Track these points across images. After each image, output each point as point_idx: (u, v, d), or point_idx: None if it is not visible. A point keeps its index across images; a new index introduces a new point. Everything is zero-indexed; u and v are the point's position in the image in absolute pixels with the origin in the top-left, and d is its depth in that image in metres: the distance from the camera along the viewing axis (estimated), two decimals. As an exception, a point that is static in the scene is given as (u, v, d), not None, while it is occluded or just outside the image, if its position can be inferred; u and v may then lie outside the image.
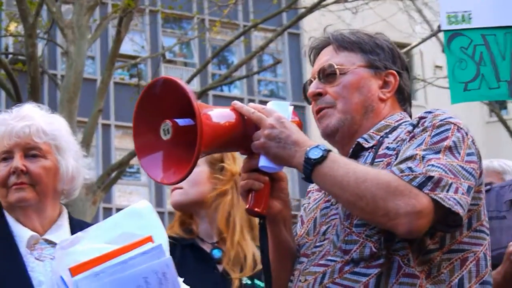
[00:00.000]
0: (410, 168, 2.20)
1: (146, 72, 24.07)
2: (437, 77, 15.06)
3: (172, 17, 23.49)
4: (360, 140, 2.46)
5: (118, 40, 13.68)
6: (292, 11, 18.61)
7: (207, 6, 20.38)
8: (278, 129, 2.28)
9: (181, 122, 2.25)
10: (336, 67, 2.50)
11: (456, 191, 2.19)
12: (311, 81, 2.56)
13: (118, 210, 3.24)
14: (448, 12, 4.22)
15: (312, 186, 2.63)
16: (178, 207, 3.40)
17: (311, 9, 15.20)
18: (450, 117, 2.34)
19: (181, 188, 3.34)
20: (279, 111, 2.35)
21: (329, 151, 2.26)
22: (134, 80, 18.93)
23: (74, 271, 2.68)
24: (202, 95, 15.74)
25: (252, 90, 26.35)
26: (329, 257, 2.34)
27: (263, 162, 2.32)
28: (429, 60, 25.51)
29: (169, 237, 2.98)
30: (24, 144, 2.91)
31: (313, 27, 18.77)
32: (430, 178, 2.18)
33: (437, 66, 24.37)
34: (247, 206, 2.36)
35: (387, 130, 2.46)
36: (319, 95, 2.51)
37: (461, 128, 2.32)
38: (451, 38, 4.20)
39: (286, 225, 2.48)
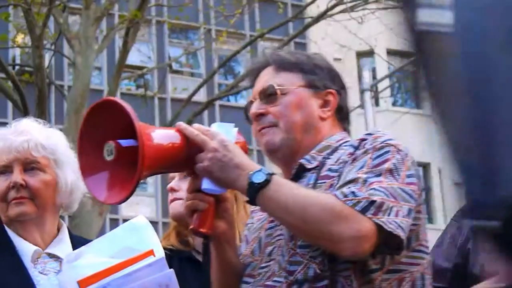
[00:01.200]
0: (353, 192, 2.22)
1: (152, 82, 24.13)
2: (444, 87, 15.04)
3: (179, 28, 23.57)
4: (302, 161, 2.48)
5: (125, 51, 13.72)
6: (299, 21, 18.65)
7: (213, 16, 20.44)
8: (221, 153, 2.28)
9: (124, 143, 2.25)
10: (276, 87, 2.53)
11: (396, 215, 2.23)
12: (252, 102, 2.59)
13: (125, 221, 3.27)
14: None
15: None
16: (179, 218, 3.40)
17: (317, 19, 15.24)
18: (390, 139, 2.38)
19: (181, 199, 3.36)
20: (223, 133, 2.37)
21: (273, 174, 2.28)
22: (141, 91, 18.98)
23: (82, 284, 2.72)
24: (208, 105, 15.79)
25: (259, 99, 26.40)
26: (275, 278, 2.36)
27: (206, 184, 2.32)
28: (436, 69, 25.55)
29: (166, 249, 3.02)
30: (23, 158, 2.94)
31: (319, 37, 18.85)
32: (372, 202, 2.20)
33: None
34: (191, 226, 2.36)
35: (329, 151, 2.48)
36: (261, 115, 2.54)
37: (400, 150, 2.35)
38: None
39: (231, 245, 2.49)
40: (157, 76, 23.51)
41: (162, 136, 2.30)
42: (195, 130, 2.32)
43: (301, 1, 23.62)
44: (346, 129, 2.62)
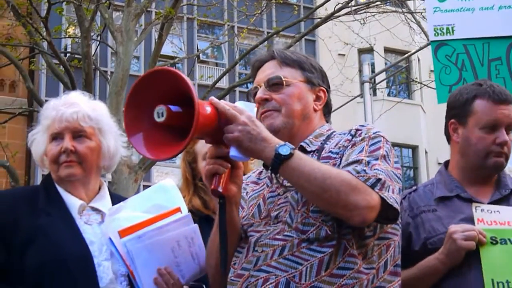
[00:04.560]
0: (364, 170, 2.30)
1: (183, 70, 24.12)
2: (432, 80, 14.97)
3: (206, 24, 23.52)
4: (303, 144, 2.55)
5: (160, 43, 13.73)
6: (309, 21, 18.59)
7: (236, 15, 20.37)
8: (251, 126, 2.29)
9: (173, 108, 2.23)
10: (283, 78, 2.59)
11: (393, 192, 2.33)
12: (256, 88, 2.62)
13: (156, 188, 3.27)
14: (435, 25, 4.25)
15: (245, 180, 2.68)
16: None
17: (325, 19, 15.17)
18: (379, 131, 2.48)
19: None
20: (247, 110, 2.36)
21: (295, 149, 2.31)
22: (173, 77, 18.88)
23: (122, 233, 2.77)
24: (230, 91, 15.77)
25: (273, 88, 26.28)
26: (286, 233, 2.40)
27: (233, 152, 2.32)
28: (426, 65, 25.37)
29: (189, 210, 3.04)
30: (73, 128, 2.97)
31: (327, 35, 18.74)
32: (379, 180, 2.30)
33: (432, 71, 24.18)
34: (212, 187, 2.36)
35: (323, 138, 2.57)
36: (265, 100, 2.58)
37: (387, 141, 2.46)
38: (437, 48, 4.23)
39: (237, 207, 2.53)
40: (187, 65, 23.50)
41: (204, 107, 2.28)
42: (226, 105, 2.33)
43: (312, 3, 23.49)
44: (328, 121, 2.71)
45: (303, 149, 2.53)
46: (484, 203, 2.98)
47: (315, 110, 2.63)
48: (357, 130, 2.51)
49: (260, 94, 2.59)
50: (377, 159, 2.37)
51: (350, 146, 2.45)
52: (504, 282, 2.77)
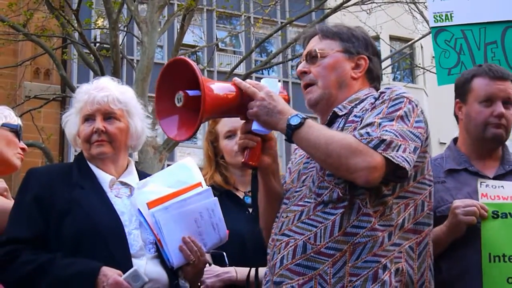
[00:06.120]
0: (368, 133, 2.26)
1: (203, 58, 24.10)
2: (434, 66, 14.92)
3: (225, 15, 23.45)
4: (335, 109, 2.52)
5: (182, 33, 13.75)
6: (320, 11, 18.47)
7: (252, 6, 20.31)
8: (267, 101, 2.32)
9: (191, 92, 2.28)
10: (318, 51, 2.56)
11: (404, 151, 2.26)
12: (301, 62, 2.62)
13: (179, 166, 3.31)
14: (434, 12, 4.25)
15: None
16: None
17: (335, 10, 15.12)
18: (404, 92, 2.41)
19: None
20: (269, 87, 2.38)
21: (306, 118, 2.30)
22: (194, 65, 18.85)
23: (150, 205, 2.81)
24: (247, 77, 15.78)
25: (286, 73, 26.25)
26: (306, 199, 2.40)
27: (255, 126, 2.36)
28: (428, 52, 25.21)
29: (210, 185, 3.08)
30: (103, 110, 3.00)
31: (336, 24, 18.65)
32: (383, 140, 2.24)
33: (434, 57, 24.06)
34: (243, 160, 2.40)
35: (357, 102, 2.50)
36: (304, 73, 2.58)
37: (412, 101, 2.38)
38: (437, 33, 4.23)
39: (275, 176, 2.53)
40: (207, 53, 23.47)
41: (221, 88, 2.31)
42: (247, 83, 2.36)
43: (322, -5, 23.33)
44: (376, 87, 2.62)
45: (335, 114, 2.51)
46: (489, 177, 2.97)
47: (353, 78, 2.57)
48: (381, 92, 2.46)
49: (299, 67, 2.60)
50: (392, 120, 2.31)
51: (370, 109, 2.40)
52: (501, 256, 2.72)
